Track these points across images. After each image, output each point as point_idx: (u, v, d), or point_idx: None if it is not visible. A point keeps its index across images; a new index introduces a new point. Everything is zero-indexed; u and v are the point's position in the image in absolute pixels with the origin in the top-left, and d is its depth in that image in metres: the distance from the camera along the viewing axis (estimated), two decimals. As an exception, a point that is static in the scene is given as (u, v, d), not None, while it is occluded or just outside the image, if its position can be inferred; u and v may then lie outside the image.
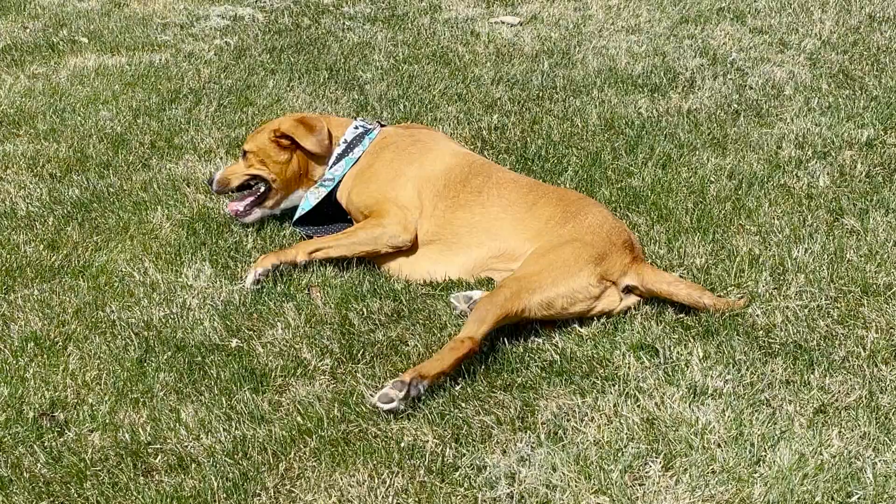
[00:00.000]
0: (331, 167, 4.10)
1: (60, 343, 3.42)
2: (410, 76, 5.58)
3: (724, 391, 3.11)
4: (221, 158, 4.76)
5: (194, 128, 5.08)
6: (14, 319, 3.55)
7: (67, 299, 3.67)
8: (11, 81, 5.72)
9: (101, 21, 6.67)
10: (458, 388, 3.14)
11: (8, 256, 3.94)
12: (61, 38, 6.37)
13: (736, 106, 5.14)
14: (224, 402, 3.12)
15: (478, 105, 5.17)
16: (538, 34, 6.14)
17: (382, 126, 4.21)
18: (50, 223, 4.19)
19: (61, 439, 3.00)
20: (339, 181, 4.07)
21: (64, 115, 5.28)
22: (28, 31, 6.51)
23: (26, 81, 5.72)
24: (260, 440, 2.96)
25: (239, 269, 3.81)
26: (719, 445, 2.90)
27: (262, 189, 4.16)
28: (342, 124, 4.19)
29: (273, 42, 6.23)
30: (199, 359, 3.32)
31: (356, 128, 4.14)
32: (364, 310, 3.54)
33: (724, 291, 3.57)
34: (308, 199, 4.10)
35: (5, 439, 2.99)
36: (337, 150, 4.11)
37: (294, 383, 3.21)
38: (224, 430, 3.00)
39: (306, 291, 3.69)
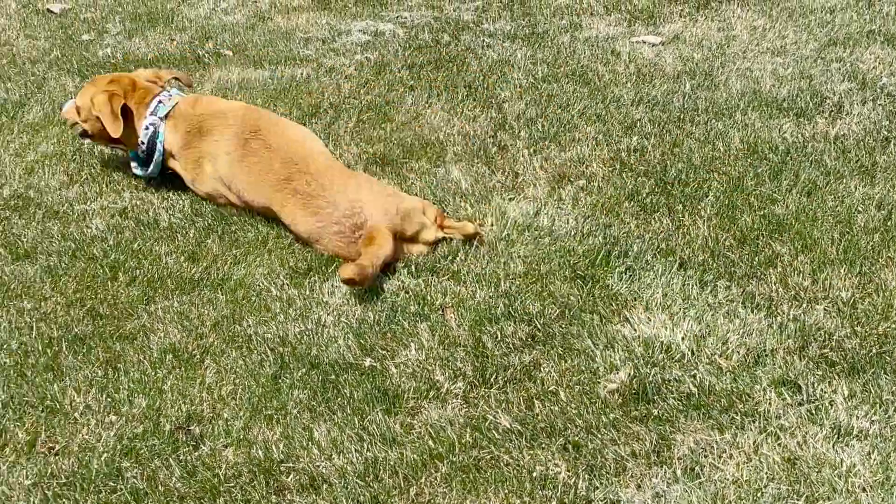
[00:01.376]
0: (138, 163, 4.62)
1: (198, 356, 3.47)
2: (549, 95, 5.53)
3: (871, 432, 2.99)
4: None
5: (333, 142, 5.11)
6: (154, 331, 3.61)
7: (206, 312, 3.72)
8: (158, 93, 5.84)
9: (245, 34, 6.78)
10: (591, 415, 3.08)
11: (150, 267, 4.01)
12: (207, 50, 6.50)
13: (886, 133, 4.96)
14: (356, 422, 3.11)
15: (617, 126, 5.10)
16: (680, 54, 6.03)
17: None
18: (191, 235, 4.26)
19: (196, 453, 3.03)
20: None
21: (207, 127, 5.36)
22: (175, 43, 6.66)
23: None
24: (391, 463, 2.94)
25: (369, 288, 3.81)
26: (864, 489, 2.78)
27: (88, 136, 4.69)
28: (143, 114, 4.50)
29: (413, 58, 6.25)
30: (333, 377, 3.33)
31: (146, 128, 4.49)
32: (498, 333, 3.51)
33: (871, 328, 3.43)
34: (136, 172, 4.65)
35: (142, 451, 3.04)
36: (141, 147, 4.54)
37: (426, 406, 3.20)
38: (356, 451, 3.00)
39: (440, 312, 3.67)
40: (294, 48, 6.53)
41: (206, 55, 6.43)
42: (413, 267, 3.95)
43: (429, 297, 3.74)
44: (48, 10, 7.27)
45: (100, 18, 7.15)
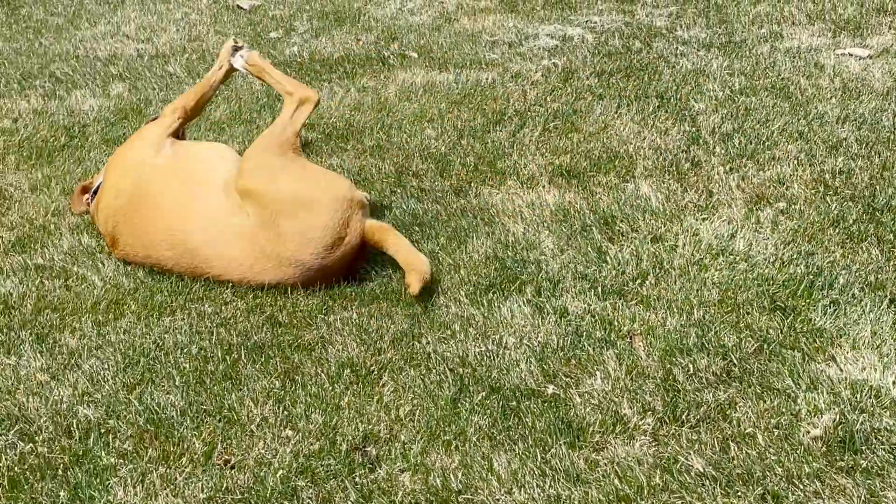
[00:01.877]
0: None
1: (376, 372, 3.38)
2: (746, 109, 5.26)
3: None
4: (544, 187, 4.63)
5: (518, 152, 4.98)
6: (332, 342, 3.54)
7: (384, 326, 3.63)
8: (342, 94, 5.82)
9: (430, 36, 6.70)
10: (792, 463, 2.86)
11: (330, 275, 3.95)
12: (392, 51, 6.45)
13: None
14: (538, 454, 2.97)
15: (821, 145, 4.80)
16: (890, 69, 5.67)
17: None
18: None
19: (372, 476, 2.93)
20: None
21: (391, 131, 5.30)
22: (361, 43, 6.63)
23: (356, 95, 5.81)
24: (575, 503, 2.78)
25: (547, 305, 3.66)
26: None
27: None
28: None
29: (602, 65, 6.06)
30: (514, 403, 3.19)
31: None
32: (690, 366, 3.31)
33: None
34: None
35: (318, 470, 2.96)
36: None
37: (612, 441, 3.03)
38: (538, 486, 2.85)
39: (628, 339, 3.49)
40: (480, 51, 6.42)
41: (392, 56, 6.38)
42: (599, 289, 3.78)
43: (616, 323, 3.56)
44: (238, 6, 7.36)
45: (288, 16, 7.19)
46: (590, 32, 6.65)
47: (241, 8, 7.34)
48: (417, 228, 4.32)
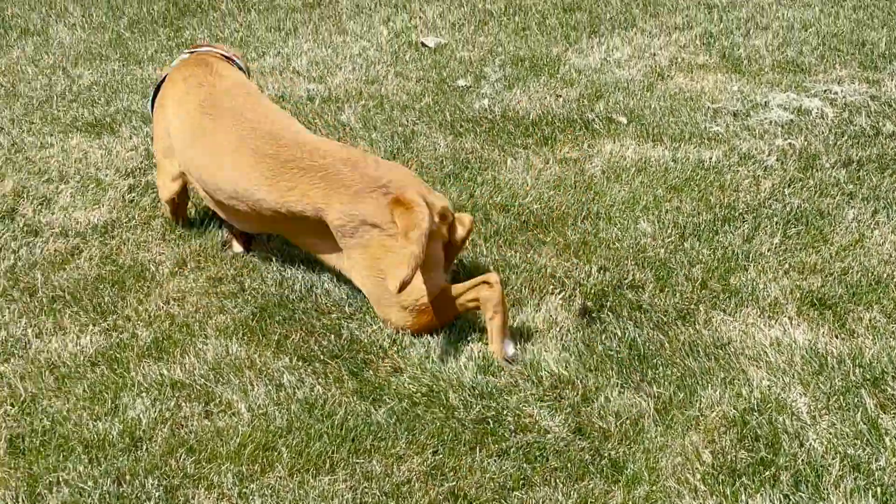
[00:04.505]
0: None
1: None
2: None
3: None
4: (791, 319, 3.81)
5: (755, 265, 4.17)
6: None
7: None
8: (541, 166, 5.09)
9: (641, 96, 5.92)
10: None
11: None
12: (597, 113, 5.68)
13: None
14: None
15: None
16: None
17: None
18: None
19: None
20: None
21: (598, 221, 4.55)
22: (560, 100, 5.89)
23: (556, 169, 5.07)
24: None
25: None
26: None
27: None
28: None
29: (848, 151, 5.19)
30: None
31: None
32: None
33: None
34: None
35: None
36: None
37: None
38: None
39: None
40: (700, 120, 5.61)
41: (597, 119, 5.61)
42: (878, 489, 2.96)
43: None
44: (422, 43, 6.69)
45: (477, 59, 6.49)
46: (829, 106, 5.77)
47: (426, 46, 6.68)
48: (638, 364, 3.56)
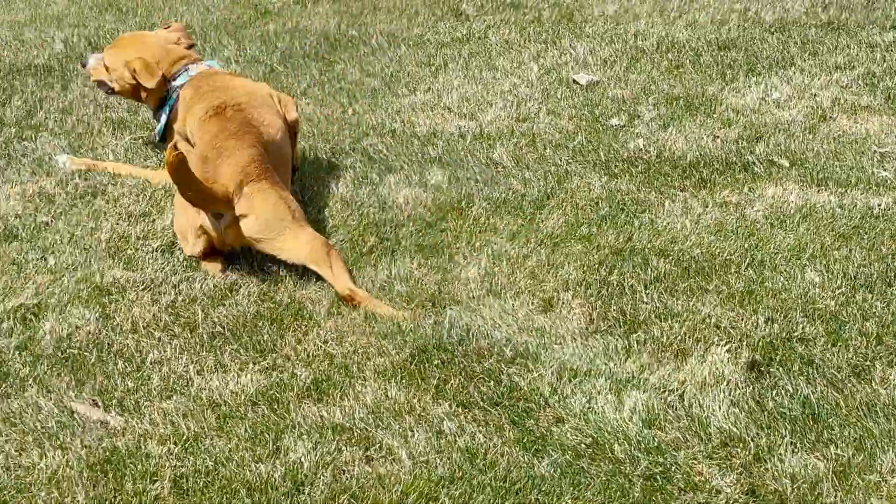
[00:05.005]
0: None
1: None
2: None
3: None
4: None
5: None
6: None
7: None
8: (700, 210, 4.98)
9: (803, 138, 5.77)
10: None
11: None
12: (757, 156, 5.55)
13: None
14: None
15: None
16: None
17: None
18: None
19: None
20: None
21: (762, 269, 4.42)
22: (718, 141, 5.76)
23: (716, 213, 4.95)
24: None
25: None
26: None
27: (110, 90, 5.39)
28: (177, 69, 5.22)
29: None
30: None
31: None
32: None
33: None
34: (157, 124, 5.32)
35: None
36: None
37: None
38: None
39: None
40: (866, 165, 5.44)
41: (757, 162, 5.48)
42: None
43: None
44: (574, 80, 6.63)
45: (630, 98, 6.41)
46: None
47: (577, 83, 6.62)
48: (812, 424, 3.43)
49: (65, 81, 6.69)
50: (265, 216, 4.40)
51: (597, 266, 4.51)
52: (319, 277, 4.40)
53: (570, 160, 5.58)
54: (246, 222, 4.40)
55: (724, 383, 3.72)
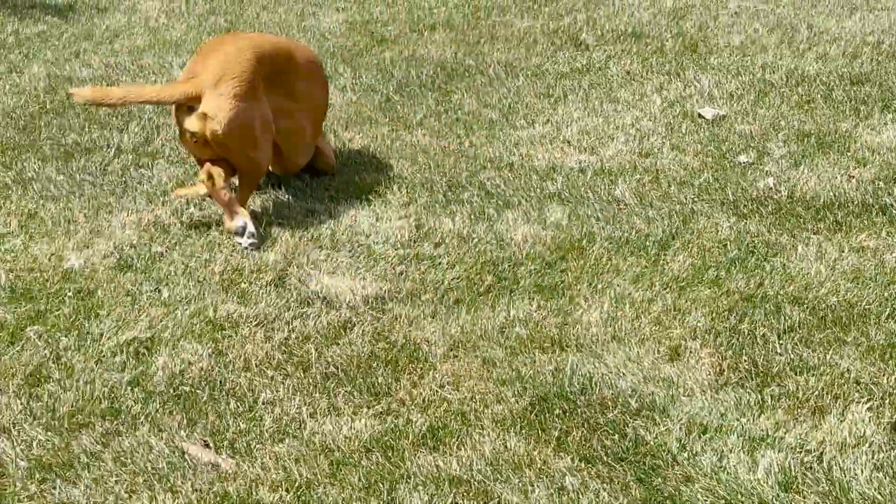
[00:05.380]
0: None
1: None
2: None
3: None
4: None
5: None
6: None
7: None
8: (835, 255, 4.76)
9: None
10: None
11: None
12: (895, 198, 5.29)
13: None
14: None
15: None
16: None
17: None
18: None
19: None
20: None
21: (905, 320, 4.19)
22: (853, 181, 5.53)
23: (853, 258, 4.73)
24: None
25: None
26: None
27: None
28: None
29: None
30: None
31: None
32: None
33: None
34: None
35: None
36: None
37: None
38: None
39: None
40: None
41: (894, 205, 5.22)
42: None
43: None
44: (698, 114, 6.44)
45: (759, 134, 6.20)
46: None
47: (703, 117, 6.42)
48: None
49: (181, 108, 6.69)
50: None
51: (726, 313, 4.33)
52: (433, 315, 4.30)
53: (696, 198, 5.39)
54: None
55: (866, 445, 3.51)
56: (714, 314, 4.32)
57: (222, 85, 4.89)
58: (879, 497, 3.27)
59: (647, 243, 4.94)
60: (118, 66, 7.49)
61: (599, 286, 4.59)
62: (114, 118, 6.48)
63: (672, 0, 9.04)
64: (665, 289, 4.54)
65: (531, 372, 3.97)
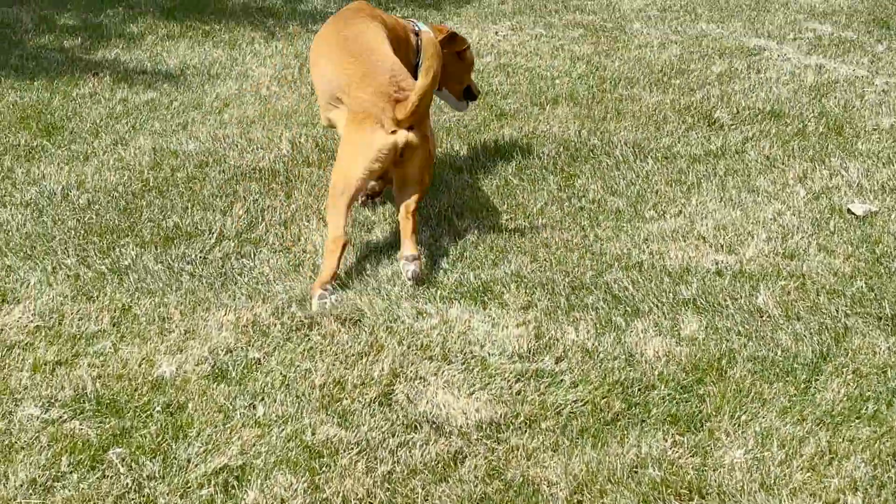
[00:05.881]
0: None
1: None
2: None
3: None
4: None
5: None
6: None
7: None
8: None
9: None
10: None
11: None
12: None
13: None
14: None
15: None
16: None
17: None
18: None
19: None
20: None
21: None
22: None
23: None
24: None
25: None
26: None
27: None
28: None
29: None
30: None
31: None
32: None
33: None
34: None
35: None
36: None
37: None
38: None
39: None
40: None
41: None
42: None
43: None
44: (848, 210, 5.92)
45: None
46: None
47: (853, 213, 5.90)
48: None
49: (289, 188, 6.39)
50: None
51: (891, 459, 3.81)
52: (555, 448, 3.87)
53: (849, 312, 4.88)
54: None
55: None
56: (876, 461, 3.81)
57: None
58: None
59: (795, 366, 4.46)
60: (225, 139, 7.23)
61: (742, 418, 4.12)
62: (217, 199, 6.20)
63: (813, 75, 8.50)
64: (818, 425, 4.05)
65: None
